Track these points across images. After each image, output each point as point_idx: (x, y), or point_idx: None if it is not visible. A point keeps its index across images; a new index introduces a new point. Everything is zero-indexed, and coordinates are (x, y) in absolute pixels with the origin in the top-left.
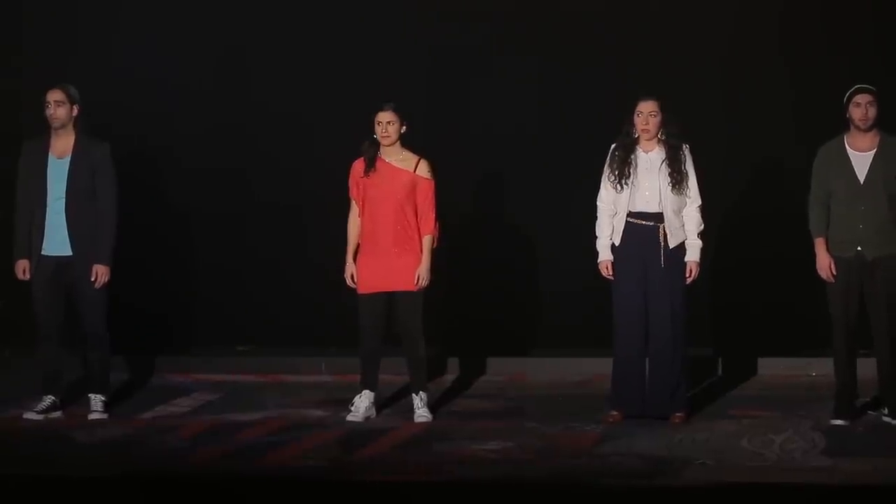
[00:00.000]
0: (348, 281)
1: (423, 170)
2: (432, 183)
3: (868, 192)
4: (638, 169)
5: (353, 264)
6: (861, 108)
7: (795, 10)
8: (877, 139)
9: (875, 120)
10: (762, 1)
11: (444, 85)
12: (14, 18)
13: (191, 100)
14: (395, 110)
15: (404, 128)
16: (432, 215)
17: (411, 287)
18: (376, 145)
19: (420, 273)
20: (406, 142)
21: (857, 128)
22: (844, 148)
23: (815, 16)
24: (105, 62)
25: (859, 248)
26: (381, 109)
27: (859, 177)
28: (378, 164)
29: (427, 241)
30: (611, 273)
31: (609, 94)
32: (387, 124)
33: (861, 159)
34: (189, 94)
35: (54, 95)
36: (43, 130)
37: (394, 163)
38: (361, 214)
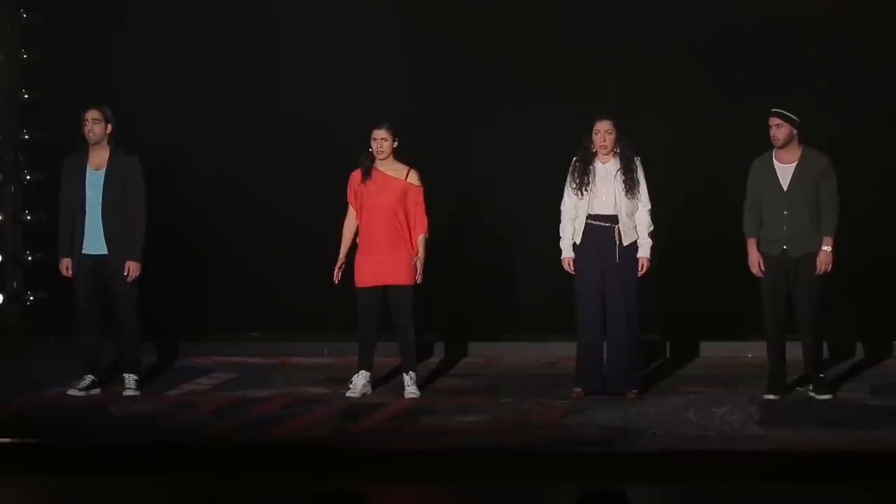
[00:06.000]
0: (335, 275)
1: (413, 178)
2: (421, 189)
3: (790, 198)
4: (596, 178)
5: (343, 260)
6: (771, 129)
7: (733, 37)
8: (799, 152)
9: (786, 138)
10: (709, 33)
11: (432, 102)
12: (45, 36)
13: (209, 118)
14: (389, 128)
15: (396, 143)
16: (424, 217)
17: (402, 281)
18: (372, 157)
19: (418, 262)
20: (398, 153)
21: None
22: (772, 160)
23: (747, 40)
24: (130, 79)
25: (785, 248)
26: (377, 127)
27: (783, 185)
28: (373, 174)
29: (421, 239)
30: (572, 268)
31: (572, 112)
32: (381, 140)
33: (785, 170)
34: (207, 113)
35: (92, 114)
36: (73, 144)
37: (387, 172)
38: (359, 218)
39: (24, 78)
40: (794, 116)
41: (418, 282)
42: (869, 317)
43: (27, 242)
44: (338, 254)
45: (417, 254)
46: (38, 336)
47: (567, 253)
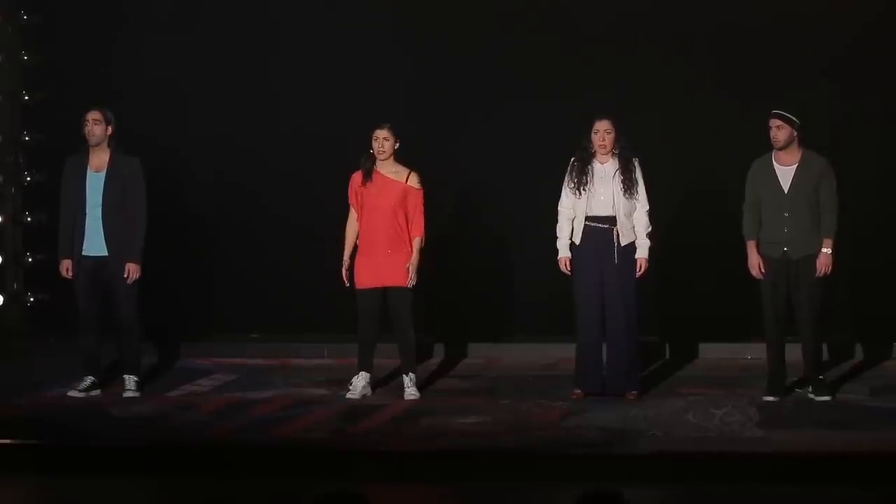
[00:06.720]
0: (344, 277)
1: (414, 181)
2: (421, 192)
3: (791, 200)
4: (594, 178)
5: (348, 262)
6: (771, 130)
7: (734, 37)
8: (799, 154)
9: (787, 140)
10: (709, 33)
11: (432, 102)
12: (45, 38)
13: (209, 119)
14: (391, 128)
15: (397, 144)
16: (421, 220)
17: (402, 283)
18: (372, 159)
19: (410, 266)
20: (397, 154)
21: (773, 146)
22: (772, 162)
23: (747, 41)
24: (131, 81)
25: (785, 249)
26: (379, 127)
27: (783, 187)
28: (374, 175)
29: (416, 242)
30: (568, 268)
31: (572, 112)
32: (383, 140)
33: (785, 172)
34: (207, 114)
35: (93, 115)
36: (73, 145)
37: (388, 174)
38: (359, 220)
39: (25, 79)
40: (794, 118)
41: (410, 285)
42: (869, 317)
43: (27, 244)
44: (340, 256)
45: (411, 257)
46: (38, 337)
47: (563, 253)
